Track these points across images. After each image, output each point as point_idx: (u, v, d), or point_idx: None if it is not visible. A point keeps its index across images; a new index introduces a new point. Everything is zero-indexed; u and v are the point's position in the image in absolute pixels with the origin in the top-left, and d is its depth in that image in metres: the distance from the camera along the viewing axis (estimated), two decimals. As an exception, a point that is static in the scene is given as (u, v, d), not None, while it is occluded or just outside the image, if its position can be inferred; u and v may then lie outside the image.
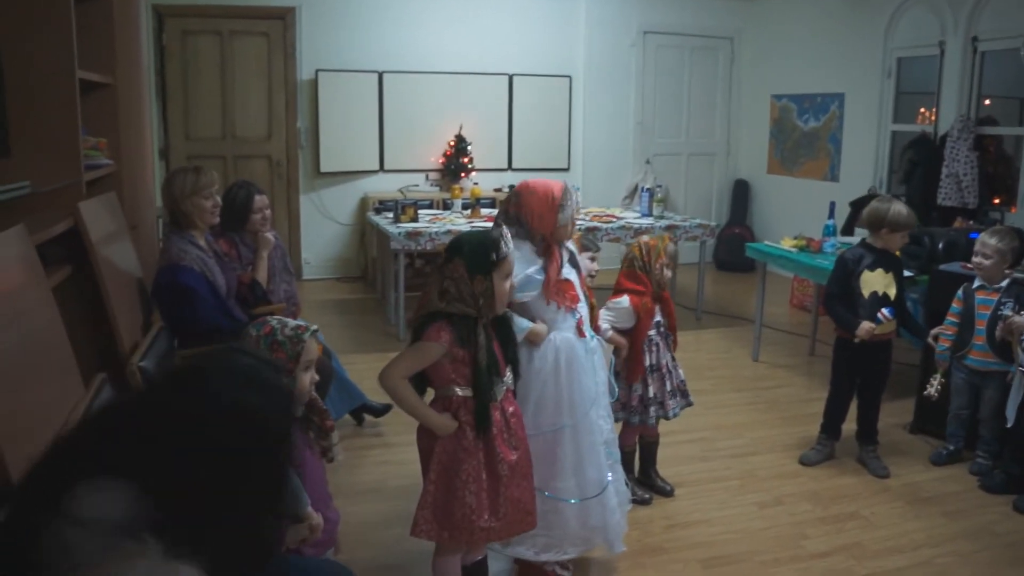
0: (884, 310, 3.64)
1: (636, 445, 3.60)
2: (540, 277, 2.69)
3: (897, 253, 3.86)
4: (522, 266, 2.63)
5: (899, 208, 3.73)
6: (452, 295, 2.35)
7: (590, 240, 3.44)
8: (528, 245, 2.70)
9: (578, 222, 2.83)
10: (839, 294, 3.80)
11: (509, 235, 2.47)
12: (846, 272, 3.79)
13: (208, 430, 1.11)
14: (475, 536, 2.43)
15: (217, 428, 1.12)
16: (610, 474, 2.85)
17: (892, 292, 3.72)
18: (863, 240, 3.92)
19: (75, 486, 1.02)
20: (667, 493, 3.59)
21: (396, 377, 2.38)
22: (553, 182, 2.76)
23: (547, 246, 2.73)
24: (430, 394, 2.50)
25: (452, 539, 2.44)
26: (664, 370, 3.44)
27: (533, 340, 2.71)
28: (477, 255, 2.35)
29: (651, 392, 3.41)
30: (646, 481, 3.61)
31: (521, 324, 2.66)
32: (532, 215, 2.69)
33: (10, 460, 1.89)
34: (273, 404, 1.21)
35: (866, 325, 3.64)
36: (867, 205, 3.89)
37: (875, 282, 3.73)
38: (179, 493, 1.07)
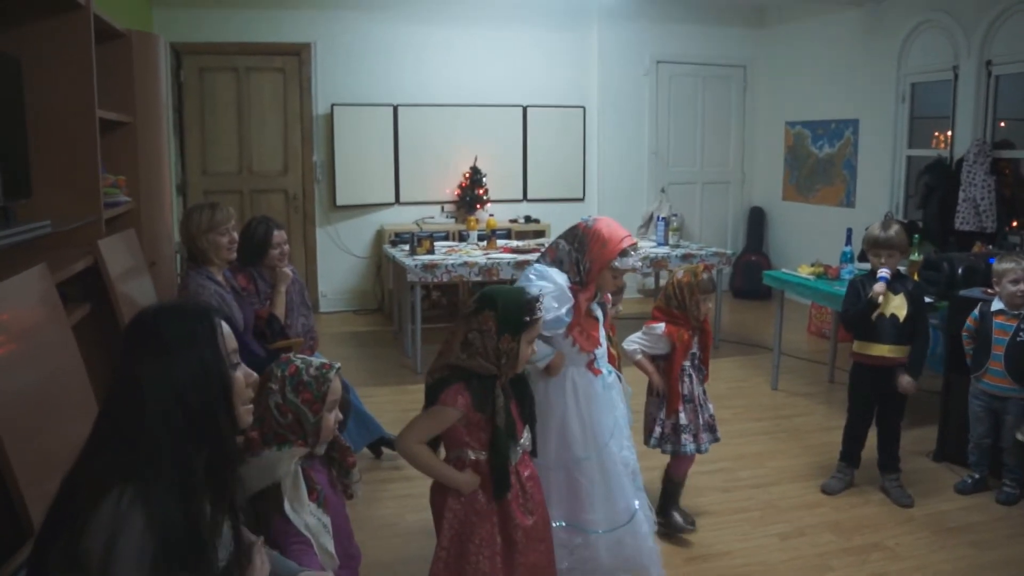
0: (878, 280, 3.68)
1: (685, 476, 3.53)
2: (568, 319, 2.66)
3: (915, 276, 3.82)
4: (553, 304, 2.60)
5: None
6: (476, 348, 2.25)
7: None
8: (568, 274, 2.68)
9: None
10: (850, 310, 3.89)
11: (546, 291, 2.42)
12: (854, 292, 3.86)
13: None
14: None
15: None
16: (637, 501, 2.82)
17: (902, 314, 3.68)
18: None
19: None
20: (688, 526, 3.54)
21: (412, 442, 2.30)
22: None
23: (588, 282, 2.71)
24: (441, 453, 2.41)
25: None
26: (697, 402, 3.41)
27: (552, 371, 2.69)
28: (510, 312, 2.25)
29: (683, 420, 3.36)
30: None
31: (542, 352, 2.60)
32: (599, 238, 2.70)
33: (30, 501, 1.89)
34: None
35: (877, 287, 3.68)
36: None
37: (881, 303, 3.72)
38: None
